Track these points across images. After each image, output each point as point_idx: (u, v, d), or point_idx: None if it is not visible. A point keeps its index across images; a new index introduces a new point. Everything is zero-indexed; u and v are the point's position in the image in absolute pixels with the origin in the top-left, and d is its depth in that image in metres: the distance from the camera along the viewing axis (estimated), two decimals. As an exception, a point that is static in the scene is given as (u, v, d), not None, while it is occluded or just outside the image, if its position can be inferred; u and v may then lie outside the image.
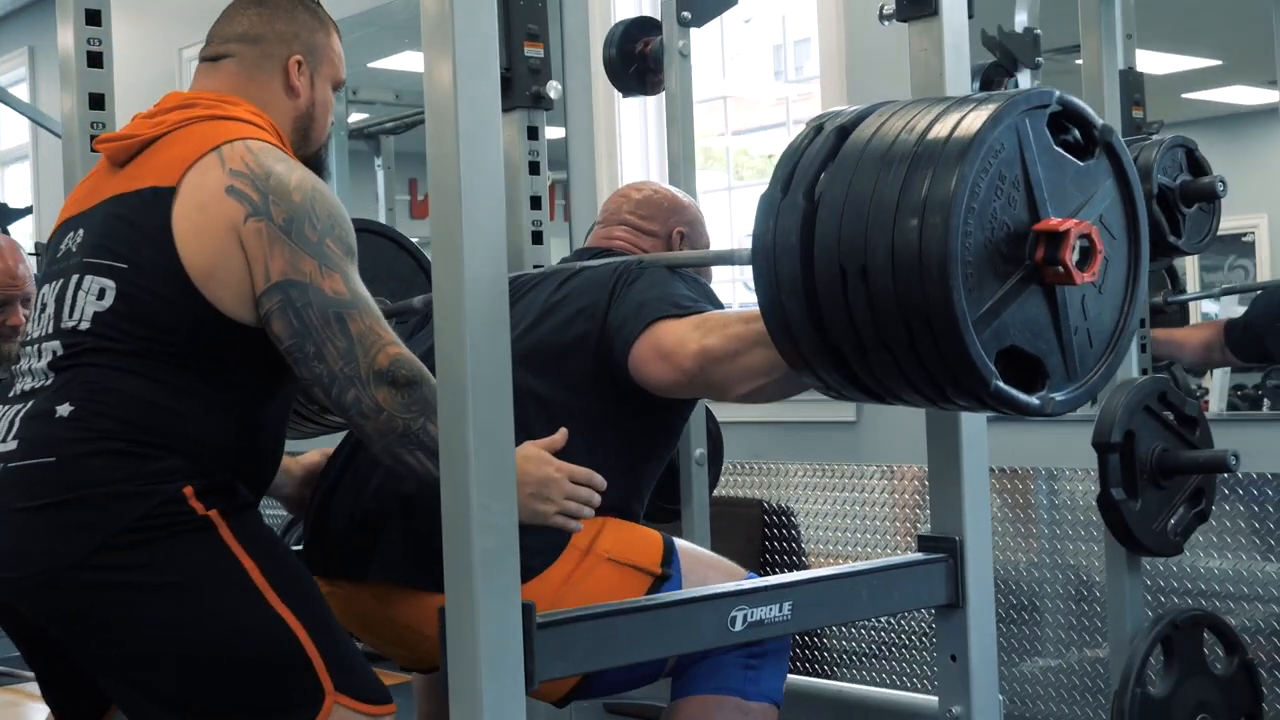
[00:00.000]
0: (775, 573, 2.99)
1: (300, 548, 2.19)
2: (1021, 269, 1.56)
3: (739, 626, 1.84)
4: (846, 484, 4.04)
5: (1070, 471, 3.52)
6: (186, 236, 1.81)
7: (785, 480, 4.18)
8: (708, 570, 2.08)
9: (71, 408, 1.78)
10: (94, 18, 2.35)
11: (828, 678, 4.00)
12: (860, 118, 1.64)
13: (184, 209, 1.82)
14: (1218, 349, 3.61)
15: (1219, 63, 4.16)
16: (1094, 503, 2.54)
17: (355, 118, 5.68)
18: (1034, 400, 1.57)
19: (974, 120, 1.53)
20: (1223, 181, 2.44)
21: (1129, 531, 2.50)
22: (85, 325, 1.83)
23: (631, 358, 2.00)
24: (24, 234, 6.17)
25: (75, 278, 1.87)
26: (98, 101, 2.41)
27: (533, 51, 2.79)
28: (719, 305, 2.12)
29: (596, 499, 1.87)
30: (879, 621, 3.86)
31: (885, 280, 1.53)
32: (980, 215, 1.52)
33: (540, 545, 1.91)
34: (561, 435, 1.89)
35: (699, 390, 2.04)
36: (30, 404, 1.83)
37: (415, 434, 1.77)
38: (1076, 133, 1.67)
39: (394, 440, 1.77)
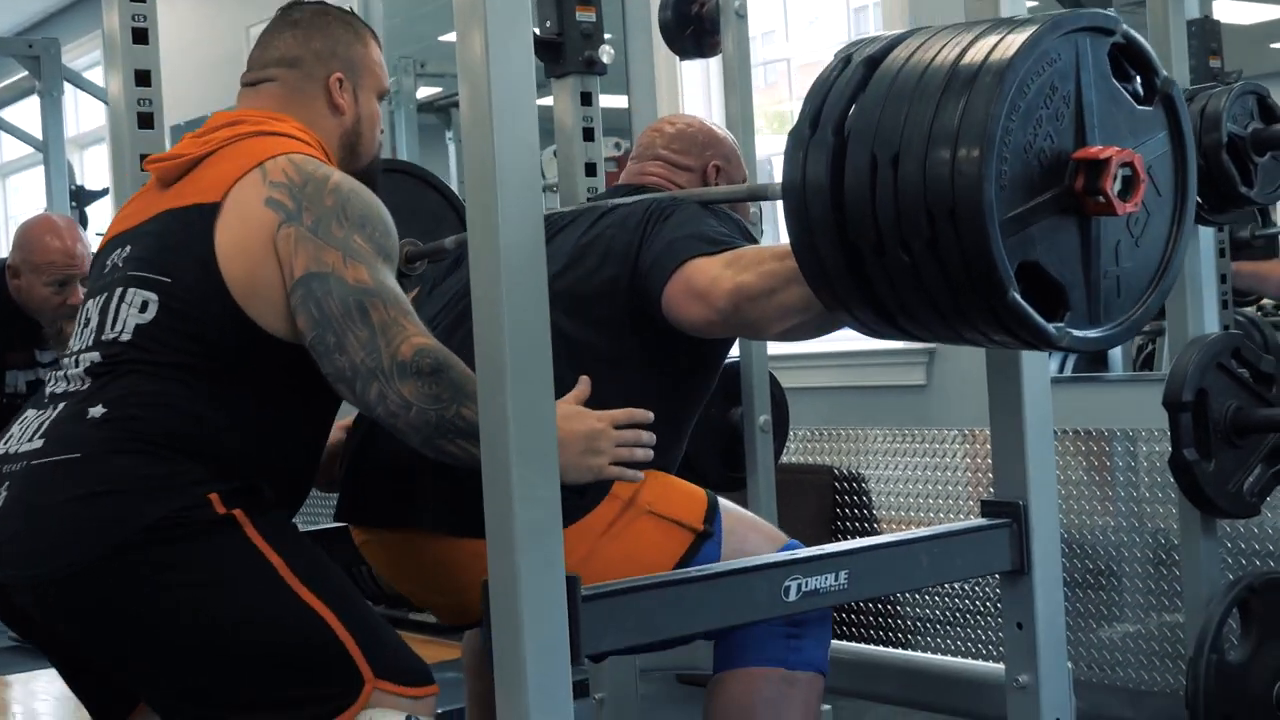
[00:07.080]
0: (847, 539, 2.94)
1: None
2: (1058, 189, 1.50)
3: (793, 596, 1.80)
4: (918, 449, 3.97)
5: (1148, 432, 3.43)
6: (228, 252, 1.80)
7: (856, 446, 4.13)
8: (748, 531, 2.03)
9: (104, 409, 1.76)
10: (139, -6, 2.35)
11: (898, 645, 3.95)
12: (891, 46, 1.57)
13: (226, 223, 1.82)
14: None
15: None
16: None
17: (425, 92, 5.65)
18: (1050, 328, 1.49)
19: (1027, 30, 1.46)
20: (1297, 128, 2.35)
21: (1202, 493, 2.43)
22: (126, 337, 1.82)
23: (665, 299, 1.95)
24: (104, 214, 6.24)
25: (119, 290, 1.86)
26: (143, 78, 2.42)
27: (585, 16, 2.74)
28: (753, 241, 2.05)
29: (647, 437, 1.83)
30: (950, 587, 3.79)
31: (915, 168, 1.46)
32: (1025, 117, 1.45)
33: (579, 490, 1.86)
34: (585, 384, 1.85)
35: (734, 329, 2.00)
36: (61, 407, 1.81)
37: (450, 421, 1.72)
38: (1139, 80, 1.60)
39: (430, 433, 1.72)
